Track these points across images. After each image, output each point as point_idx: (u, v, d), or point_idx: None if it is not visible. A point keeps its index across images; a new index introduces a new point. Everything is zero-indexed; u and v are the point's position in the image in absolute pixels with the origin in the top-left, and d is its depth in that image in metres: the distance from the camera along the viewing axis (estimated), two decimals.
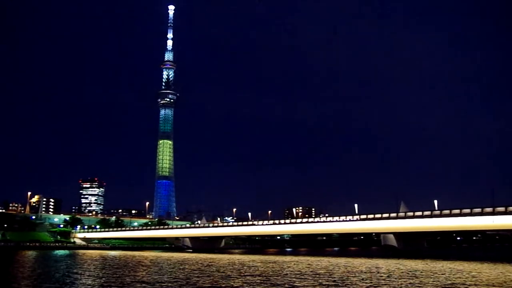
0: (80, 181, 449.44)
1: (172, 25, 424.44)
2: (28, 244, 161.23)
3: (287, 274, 59.74)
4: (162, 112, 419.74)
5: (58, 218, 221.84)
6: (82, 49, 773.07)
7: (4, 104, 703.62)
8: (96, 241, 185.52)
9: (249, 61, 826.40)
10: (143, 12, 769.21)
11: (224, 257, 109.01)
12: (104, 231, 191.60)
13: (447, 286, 46.40)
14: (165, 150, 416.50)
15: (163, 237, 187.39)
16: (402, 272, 61.45)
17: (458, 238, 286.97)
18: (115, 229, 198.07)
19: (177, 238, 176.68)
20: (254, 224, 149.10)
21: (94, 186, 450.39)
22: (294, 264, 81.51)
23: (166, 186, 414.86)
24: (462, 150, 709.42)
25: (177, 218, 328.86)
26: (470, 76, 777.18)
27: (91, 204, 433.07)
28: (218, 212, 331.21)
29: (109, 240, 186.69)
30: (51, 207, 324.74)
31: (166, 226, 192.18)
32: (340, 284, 47.62)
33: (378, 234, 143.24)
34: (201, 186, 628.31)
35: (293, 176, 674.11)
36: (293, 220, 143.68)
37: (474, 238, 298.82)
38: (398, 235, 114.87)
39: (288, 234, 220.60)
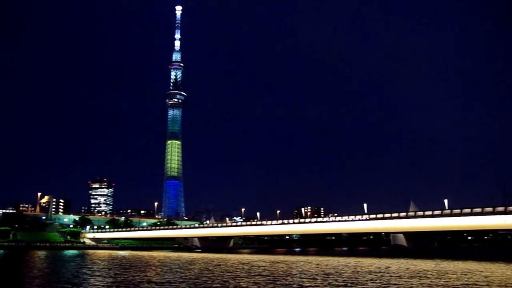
0: (89, 182, 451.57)
1: (179, 25, 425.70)
2: (38, 244, 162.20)
3: (296, 274, 59.43)
4: (170, 112, 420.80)
5: (68, 219, 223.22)
6: (90, 50, 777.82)
7: (16, 105, 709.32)
8: (106, 241, 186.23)
9: (257, 62, 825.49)
10: (150, 13, 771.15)
11: (233, 257, 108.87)
12: (113, 231, 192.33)
13: (459, 286, 45.81)
14: (174, 151, 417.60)
15: (172, 237, 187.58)
16: (413, 272, 60.83)
17: (469, 238, 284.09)
18: (124, 229, 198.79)
19: (186, 238, 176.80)
20: (262, 224, 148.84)
21: (103, 186, 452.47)
22: (303, 264, 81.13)
23: (175, 186, 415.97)
24: (471, 149, 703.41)
25: (186, 218, 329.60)
26: (472, 76, 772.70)
27: (100, 205, 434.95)
28: (227, 212, 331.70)
29: (118, 240, 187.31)
30: (61, 207, 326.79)
31: (175, 226, 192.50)
32: (350, 285, 47.19)
33: (387, 234, 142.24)
34: (209, 186, 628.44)
35: (302, 176, 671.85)
36: (302, 220, 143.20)
37: (486, 237, 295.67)
38: (408, 234, 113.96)
39: (297, 234, 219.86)
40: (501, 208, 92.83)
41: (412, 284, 47.47)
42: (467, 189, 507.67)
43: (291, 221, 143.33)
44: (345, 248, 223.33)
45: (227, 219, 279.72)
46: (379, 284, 47.19)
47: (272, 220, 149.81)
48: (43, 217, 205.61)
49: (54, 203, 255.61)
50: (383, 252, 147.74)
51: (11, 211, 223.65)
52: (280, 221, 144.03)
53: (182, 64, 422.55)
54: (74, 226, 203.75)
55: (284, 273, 60.16)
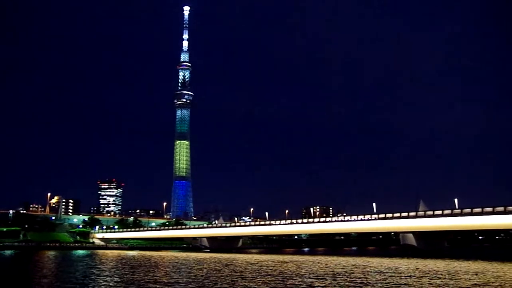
0: (98, 182, 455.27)
1: (187, 26, 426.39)
2: (48, 244, 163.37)
3: (305, 274, 59.07)
4: (179, 112, 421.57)
5: (77, 219, 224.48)
6: (96, 50, 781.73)
7: (27, 105, 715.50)
8: (115, 241, 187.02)
9: (264, 61, 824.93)
10: (157, 13, 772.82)
11: (241, 257, 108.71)
12: (122, 232, 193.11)
13: (470, 287, 45.19)
14: (182, 151, 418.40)
15: (181, 237, 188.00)
16: (423, 272, 60.18)
17: (480, 238, 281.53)
18: (133, 229, 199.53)
19: (194, 238, 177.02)
20: (271, 224, 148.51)
21: (112, 187, 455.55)
22: (312, 264, 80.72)
23: (183, 186, 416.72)
24: (481, 149, 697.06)
25: (195, 218, 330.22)
26: (473, 75, 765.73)
27: (109, 205, 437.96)
28: (235, 212, 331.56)
29: (127, 240, 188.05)
30: (70, 208, 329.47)
31: (183, 226, 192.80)
32: (359, 285, 46.77)
33: (397, 234, 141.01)
34: (218, 186, 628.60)
35: (311, 175, 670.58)
36: (310, 220, 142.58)
37: (497, 237, 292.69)
38: (418, 234, 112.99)
39: (306, 234, 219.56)
40: None
41: (423, 284, 46.91)
42: (477, 188, 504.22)
43: (299, 221, 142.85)
44: (354, 248, 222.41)
45: (236, 219, 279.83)
46: (389, 285, 46.69)
47: (280, 220, 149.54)
48: (53, 218, 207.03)
49: (63, 203, 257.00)
50: (392, 252, 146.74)
51: (21, 211, 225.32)
52: (288, 221, 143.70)
53: (190, 64, 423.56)
54: (84, 226, 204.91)
55: (293, 273, 59.83)
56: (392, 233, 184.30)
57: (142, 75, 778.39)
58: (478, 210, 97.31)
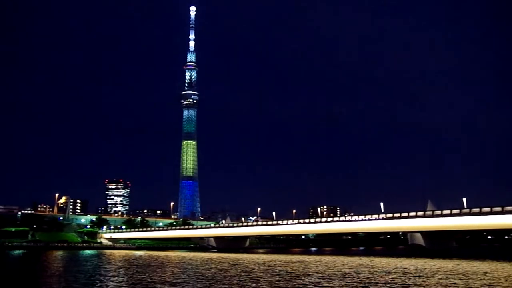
0: (106, 182, 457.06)
1: (194, 26, 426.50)
2: (56, 244, 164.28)
3: (313, 274, 58.84)
4: (185, 112, 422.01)
5: (85, 219, 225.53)
6: (103, 51, 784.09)
7: (34, 106, 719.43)
8: (122, 241, 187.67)
9: (270, 61, 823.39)
10: (163, 13, 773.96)
11: (249, 257, 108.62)
12: (130, 232, 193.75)
13: (479, 287, 44.73)
14: (189, 151, 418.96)
15: (188, 237, 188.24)
16: (432, 272, 59.72)
17: (489, 237, 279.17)
18: (140, 229, 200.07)
19: (202, 238, 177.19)
20: (278, 224, 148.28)
21: (120, 187, 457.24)
22: (320, 264, 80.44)
23: (191, 186, 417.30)
24: (489, 148, 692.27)
25: (202, 218, 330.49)
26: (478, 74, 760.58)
27: (117, 205, 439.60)
28: (243, 211, 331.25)
29: (134, 240, 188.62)
30: (78, 208, 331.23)
31: (190, 226, 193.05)
32: (367, 285, 46.47)
33: (404, 233, 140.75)
34: (225, 186, 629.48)
35: (318, 175, 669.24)
36: (318, 220, 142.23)
37: (506, 237, 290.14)
38: (426, 234, 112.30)
39: (313, 234, 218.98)
40: None
41: (431, 284, 46.52)
42: (485, 188, 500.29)
43: (307, 220, 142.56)
44: (361, 248, 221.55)
45: (243, 219, 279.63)
46: (397, 285, 46.35)
47: (288, 219, 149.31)
48: (61, 218, 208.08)
49: (71, 203, 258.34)
50: (400, 252, 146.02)
51: (29, 211, 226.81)
52: (296, 221, 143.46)
53: (196, 64, 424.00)
54: (91, 227, 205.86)
55: (301, 273, 59.62)
56: (400, 233, 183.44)
57: (149, 75, 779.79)
58: (487, 209, 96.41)
